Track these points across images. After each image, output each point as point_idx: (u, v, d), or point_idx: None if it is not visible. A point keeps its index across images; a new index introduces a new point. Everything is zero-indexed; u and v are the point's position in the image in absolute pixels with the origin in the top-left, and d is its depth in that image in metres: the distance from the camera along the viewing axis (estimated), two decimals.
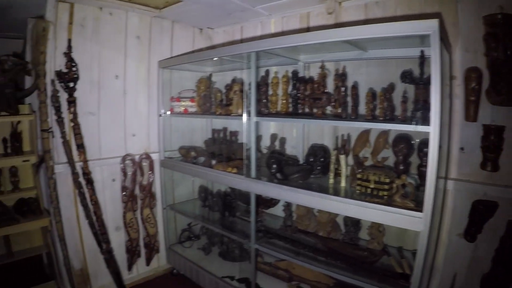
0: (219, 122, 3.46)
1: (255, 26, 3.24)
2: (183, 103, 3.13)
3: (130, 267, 3.18)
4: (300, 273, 2.79)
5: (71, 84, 2.76)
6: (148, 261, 3.30)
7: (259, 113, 2.55)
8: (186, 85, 3.32)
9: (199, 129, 3.60)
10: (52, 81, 2.70)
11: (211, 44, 3.65)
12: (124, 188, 3.05)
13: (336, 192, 2.25)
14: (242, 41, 3.35)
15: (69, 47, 2.75)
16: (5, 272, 3.21)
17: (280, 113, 2.70)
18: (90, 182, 2.80)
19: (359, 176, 2.18)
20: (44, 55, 2.66)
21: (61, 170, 2.76)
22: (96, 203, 2.84)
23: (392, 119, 2.08)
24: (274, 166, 2.50)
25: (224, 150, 3.13)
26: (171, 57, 3.30)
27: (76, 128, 2.75)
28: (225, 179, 2.71)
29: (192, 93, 3.19)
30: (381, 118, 2.11)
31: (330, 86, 2.45)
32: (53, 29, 2.67)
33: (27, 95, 2.90)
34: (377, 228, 2.45)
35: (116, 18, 2.98)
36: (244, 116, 2.51)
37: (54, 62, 2.72)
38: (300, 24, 2.91)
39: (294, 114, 2.61)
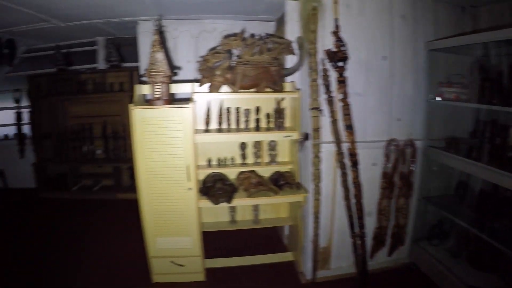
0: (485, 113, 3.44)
1: None
2: (453, 89, 3.26)
3: (372, 255, 3.52)
4: None
5: (341, 64, 3.07)
6: (391, 251, 3.60)
7: None
8: (452, 69, 3.41)
9: (462, 119, 3.65)
10: (322, 60, 3.08)
11: (476, 24, 3.66)
12: (384, 174, 3.35)
13: None
14: None
15: (337, 26, 3.05)
16: (250, 236, 3.97)
17: None
18: (355, 164, 3.14)
19: None
20: (314, 34, 3.05)
21: (326, 149, 3.18)
22: (358, 186, 3.19)
23: None
24: None
25: (496, 145, 3.11)
26: (444, 38, 3.40)
27: (346, 109, 3.09)
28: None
29: (460, 79, 3.29)
30: None
31: None
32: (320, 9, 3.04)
33: (291, 73, 3.39)
34: None
35: None
36: None
37: (322, 42, 3.10)
38: None
39: None
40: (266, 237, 4.19)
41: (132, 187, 5.75)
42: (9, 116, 6.79)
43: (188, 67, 4.55)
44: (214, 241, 3.65)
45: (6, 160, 6.83)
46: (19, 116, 6.62)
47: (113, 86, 6.04)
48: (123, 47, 6.03)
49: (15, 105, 6.62)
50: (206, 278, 3.48)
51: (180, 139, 3.11)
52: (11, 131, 6.87)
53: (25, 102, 6.56)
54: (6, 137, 6.99)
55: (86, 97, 6.14)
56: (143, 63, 4.66)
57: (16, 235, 4.82)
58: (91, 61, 6.27)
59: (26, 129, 6.66)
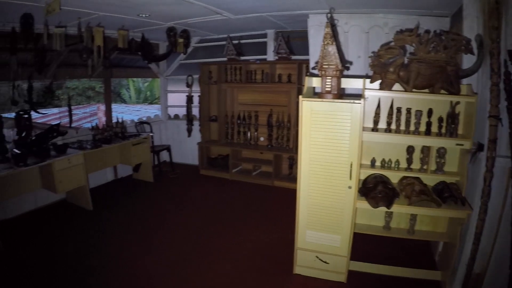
0: None
1: None
2: None
3: None
4: None
5: None
6: None
7: None
8: None
9: None
10: (505, 62, 2.91)
11: None
12: None
13: None
14: None
15: None
16: (399, 245, 3.97)
17: None
18: None
19: None
20: (497, 32, 2.88)
21: (500, 164, 3.04)
22: None
23: None
24: None
25: None
26: None
27: None
28: None
29: None
30: None
31: None
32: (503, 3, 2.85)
33: (468, 75, 3.28)
34: None
35: None
36: None
37: (505, 40, 2.92)
38: None
39: None
40: (416, 249, 4.17)
41: (290, 176, 6.55)
42: (180, 99, 8.01)
43: (358, 62, 4.72)
44: (360, 242, 3.73)
45: (174, 137, 8.19)
46: (189, 99, 7.72)
47: (281, 77, 6.62)
48: (292, 40, 6.56)
49: (186, 89, 7.73)
50: (346, 280, 3.62)
51: (347, 135, 3.27)
52: (182, 112, 8.16)
53: (196, 87, 7.59)
54: (176, 116, 8.27)
55: (254, 86, 6.92)
56: (312, 56, 4.96)
57: (176, 201, 5.95)
58: (260, 52, 7.01)
59: (195, 111, 7.75)
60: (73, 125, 6.34)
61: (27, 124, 5.03)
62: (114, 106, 7.72)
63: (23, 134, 4.97)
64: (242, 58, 7.00)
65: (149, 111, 13.58)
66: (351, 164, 3.30)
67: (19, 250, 4.33)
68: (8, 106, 11.99)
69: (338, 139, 3.29)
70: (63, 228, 4.95)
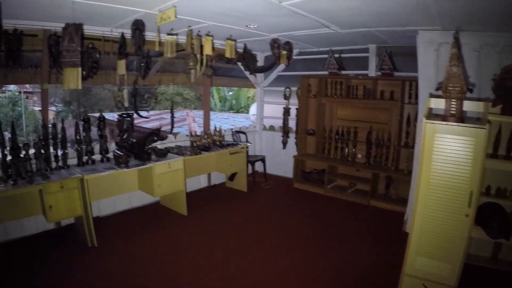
0: None
1: None
2: None
3: None
4: None
5: None
6: None
7: None
8: None
9: None
10: None
11: None
12: None
13: None
14: None
15: None
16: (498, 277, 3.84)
17: None
18: None
19: None
20: None
21: None
22: None
23: None
24: None
25: None
26: None
27: None
28: None
29: None
30: None
31: None
32: None
33: None
34: None
35: None
36: None
37: None
38: None
39: None
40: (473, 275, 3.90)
41: (386, 196, 6.54)
42: (275, 110, 8.36)
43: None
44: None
45: (269, 148, 8.55)
46: (286, 111, 7.92)
47: (384, 94, 6.65)
48: (395, 56, 6.58)
49: (282, 100, 7.94)
50: None
51: (469, 161, 3.23)
52: (277, 123, 8.43)
53: (293, 99, 7.80)
54: (272, 128, 8.67)
55: (354, 102, 7.03)
56: (421, 74, 4.96)
57: (270, 214, 6.14)
58: (361, 67, 7.10)
59: (291, 124, 7.95)
60: (163, 129, 6.78)
61: (129, 126, 5.57)
62: (201, 113, 8.17)
63: (125, 136, 5.51)
64: (343, 72, 7.14)
65: (237, 119, 14.10)
66: (472, 192, 3.24)
67: (111, 247, 4.69)
68: (100, 107, 13.12)
69: (458, 165, 3.26)
70: (158, 231, 5.30)
